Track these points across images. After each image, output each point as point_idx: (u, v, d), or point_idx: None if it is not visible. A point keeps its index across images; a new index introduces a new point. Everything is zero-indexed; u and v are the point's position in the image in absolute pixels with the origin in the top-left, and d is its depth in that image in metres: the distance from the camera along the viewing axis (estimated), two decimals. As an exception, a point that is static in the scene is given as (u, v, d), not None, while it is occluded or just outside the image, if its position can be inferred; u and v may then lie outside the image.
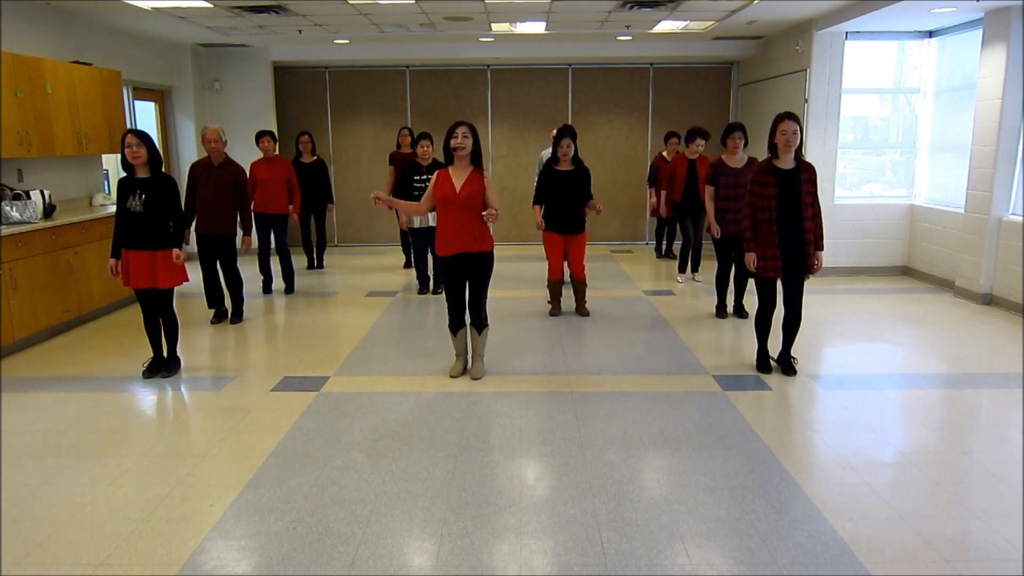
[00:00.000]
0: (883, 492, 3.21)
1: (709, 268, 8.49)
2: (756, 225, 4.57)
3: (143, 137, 4.58)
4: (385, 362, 5.16)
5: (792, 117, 4.42)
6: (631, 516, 3.01)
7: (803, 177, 4.46)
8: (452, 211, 4.46)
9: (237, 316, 6.36)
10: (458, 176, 4.47)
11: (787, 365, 4.80)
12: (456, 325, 4.74)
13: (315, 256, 8.92)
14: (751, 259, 4.61)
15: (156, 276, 4.66)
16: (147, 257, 4.64)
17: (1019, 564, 2.68)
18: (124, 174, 4.69)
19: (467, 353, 4.86)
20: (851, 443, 3.74)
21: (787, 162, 4.48)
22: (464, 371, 4.83)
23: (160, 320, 4.84)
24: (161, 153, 4.72)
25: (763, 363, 4.85)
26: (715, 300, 6.45)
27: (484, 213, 4.41)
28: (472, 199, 4.43)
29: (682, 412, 4.16)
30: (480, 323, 4.73)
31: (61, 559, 2.75)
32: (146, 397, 4.56)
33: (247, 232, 6.22)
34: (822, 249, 4.57)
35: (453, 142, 4.41)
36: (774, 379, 4.73)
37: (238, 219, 6.19)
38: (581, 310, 6.40)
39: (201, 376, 4.90)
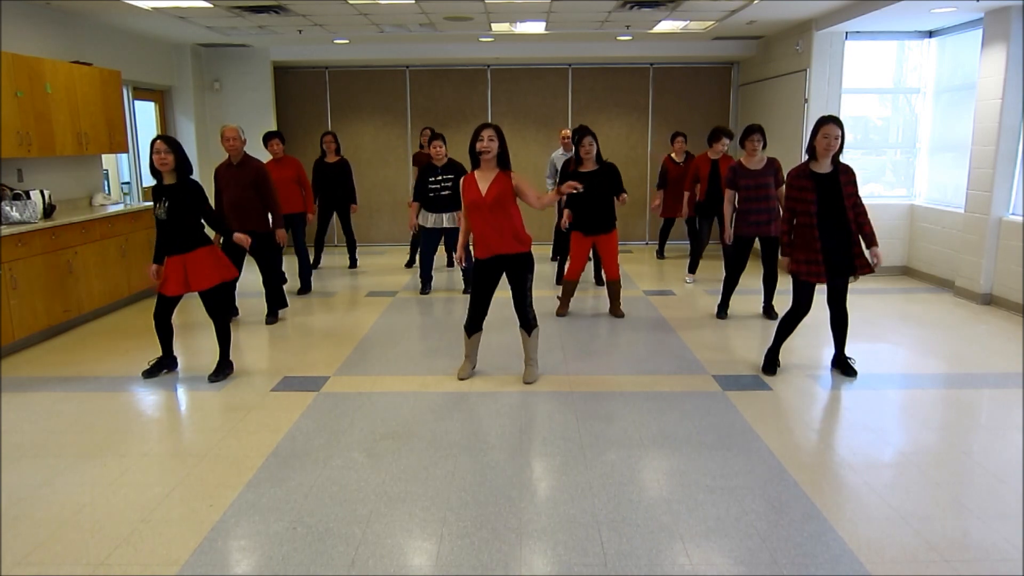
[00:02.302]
0: (883, 492, 3.21)
1: (706, 269, 8.50)
2: (796, 230, 4.54)
3: (172, 144, 4.54)
4: (385, 362, 5.16)
5: (836, 122, 4.38)
6: (631, 516, 3.01)
7: (843, 180, 4.44)
8: (481, 214, 4.41)
9: (272, 317, 6.32)
10: (484, 179, 4.43)
11: (845, 367, 4.77)
12: (472, 328, 4.68)
13: (350, 255, 8.89)
14: (788, 262, 4.58)
15: (188, 280, 4.64)
16: (179, 262, 4.62)
17: (1019, 564, 2.68)
18: (153, 181, 4.66)
19: (476, 355, 4.82)
20: (851, 443, 3.74)
21: (824, 166, 4.46)
22: (471, 374, 4.79)
23: (172, 322, 4.84)
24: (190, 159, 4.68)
25: (770, 364, 4.83)
26: (718, 300, 6.42)
27: (563, 189, 4.44)
28: (500, 201, 4.37)
29: (682, 412, 4.16)
30: (528, 324, 4.66)
31: (61, 559, 2.75)
32: (146, 397, 4.56)
33: (277, 226, 6.17)
34: (876, 244, 4.49)
35: (479, 145, 4.36)
36: (774, 379, 4.73)
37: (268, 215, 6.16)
38: (615, 311, 6.33)
39: (202, 376, 4.89)
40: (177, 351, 5.11)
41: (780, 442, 3.75)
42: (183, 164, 4.59)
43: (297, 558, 2.73)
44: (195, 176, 4.70)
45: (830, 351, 5.50)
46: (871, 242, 4.49)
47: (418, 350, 5.44)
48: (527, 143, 10.63)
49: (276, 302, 6.35)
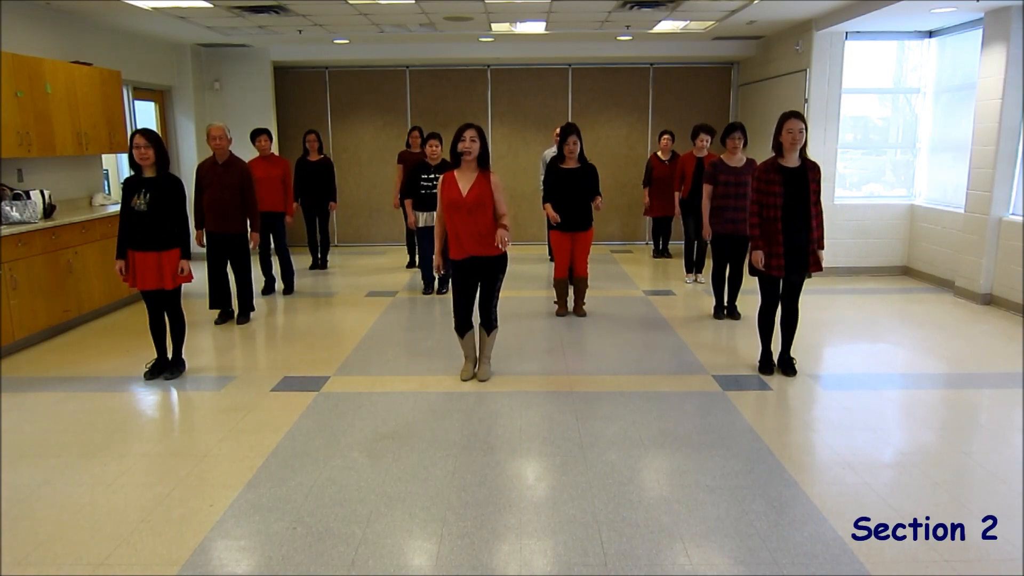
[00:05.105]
0: (883, 492, 3.21)
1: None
2: (762, 224, 4.58)
3: (152, 137, 4.55)
4: (385, 362, 5.16)
5: (798, 116, 4.44)
6: (631, 516, 3.01)
7: (810, 176, 4.48)
8: (460, 215, 4.41)
9: (244, 317, 6.33)
10: (464, 179, 4.43)
11: (788, 366, 4.79)
12: (463, 328, 4.69)
13: (319, 256, 8.90)
14: (759, 257, 4.60)
15: (163, 277, 4.65)
16: (153, 258, 4.62)
17: (1019, 564, 2.68)
18: (131, 173, 4.67)
19: (476, 355, 4.83)
20: (851, 443, 3.74)
21: (792, 161, 4.49)
22: (475, 373, 4.80)
23: (166, 321, 4.83)
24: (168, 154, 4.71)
25: (766, 365, 4.84)
26: (714, 300, 6.43)
27: (497, 239, 4.34)
28: (480, 202, 4.38)
29: (682, 412, 4.16)
30: (489, 324, 4.70)
31: (61, 559, 2.75)
32: (146, 397, 4.56)
33: (255, 229, 6.20)
34: (823, 248, 4.58)
35: (461, 145, 4.36)
36: (774, 379, 4.72)
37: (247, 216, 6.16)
38: (578, 310, 6.38)
39: (201, 376, 4.90)
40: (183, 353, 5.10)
41: (780, 442, 3.75)
42: (163, 158, 4.61)
43: (297, 558, 2.73)
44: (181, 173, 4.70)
45: (830, 351, 5.52)
46: (819, 244, 4.55)
47: (418, 350, 5.44)
48: (527, 143, 10.63)
49: (247, 303, 6.36)
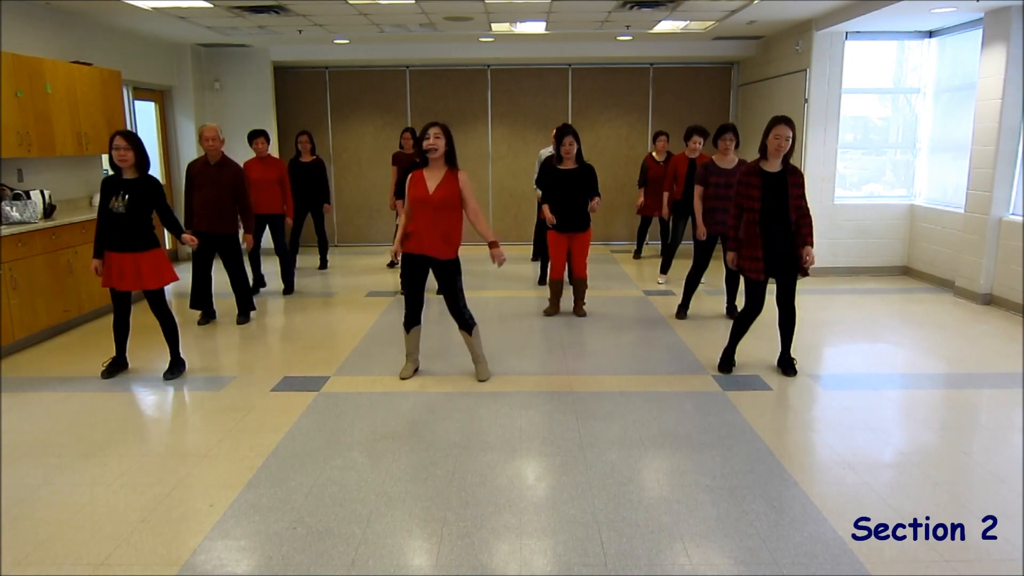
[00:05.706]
0: (883, 492, 3.21)
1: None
2: (741, 226, 4.60)
3: (132, 140, 4.56)
4: (385, 362, 5.15)
5: (788, 123, 4.42)
6: (631, 516, 3.01)
7: (790, 181, 4.48)
8: (425, 212, 4.42)
9: (244, 317, 6.32)
10: (432, 177, 4.44)
11: (788, 366, 4.79)
12: (410, 323, 4.70)
13: (320, 256, 8.92)
14: (732, 258, 4.68)
15: (142, 278, 4.64)
16: (131, 259, 4.61)
17: (1019, 564, 2.68)
18: (111, 172, 4.67)
19: (418, 353, 4.83)
20: (851, 443, 3.74)
21: (774, 165, 4.50)
22: (415, 373, 4.79)
23: (130, 323, 4.83)
24: (150, 155, 4.72)
25: (725, 362, 4.85)
26: (723, 300, 6.39)
27: (495, 259, 4.44)
28: (446, 200, 4.40)
29: (682, 412, 4.16)
30: (465, 324, 4.66)
31: (61, 559, 2.75)
32: (146, 397, 4.56)
33: (248, 230, 6.20)
34: (811, 244, 4.50)
35: (426, 143, 4.39)
36: (774, 379, 4.72)
37: (238, 217, 6.15)
38: (578, 311, 6.38)
39: (201, 376, 4.89)
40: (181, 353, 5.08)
41: (780, 442, 3.75)
42: (143, 160, 4.61)
43: (297, 558, 2.73)
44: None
45: (830, 351, 5.52)
46: (804, 242, 4.51)
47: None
48: (527, 143, 10.62)
49: (246, 303, 6.34)
